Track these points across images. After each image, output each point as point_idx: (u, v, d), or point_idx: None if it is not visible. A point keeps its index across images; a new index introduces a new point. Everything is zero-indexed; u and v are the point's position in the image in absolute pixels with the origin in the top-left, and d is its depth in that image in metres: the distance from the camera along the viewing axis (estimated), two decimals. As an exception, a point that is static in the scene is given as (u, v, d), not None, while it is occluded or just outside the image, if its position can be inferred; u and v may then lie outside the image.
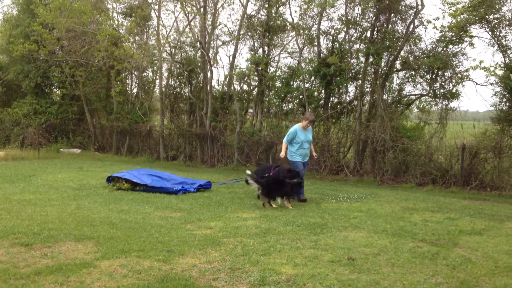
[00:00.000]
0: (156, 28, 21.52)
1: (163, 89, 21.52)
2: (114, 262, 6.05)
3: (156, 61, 21.64)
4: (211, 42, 20.52)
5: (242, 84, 20.64)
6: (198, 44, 20.33)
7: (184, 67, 21.06)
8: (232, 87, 20.45)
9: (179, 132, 21.51)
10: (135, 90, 23.35)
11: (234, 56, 20.16)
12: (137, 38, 22.36)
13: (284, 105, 19.79)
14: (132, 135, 22.18)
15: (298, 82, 19.02)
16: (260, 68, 19.08)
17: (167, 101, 21.86)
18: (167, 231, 7.70)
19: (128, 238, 7.18)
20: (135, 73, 22.90)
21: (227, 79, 20.49)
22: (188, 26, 20.68)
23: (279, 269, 5.90)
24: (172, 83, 22.20)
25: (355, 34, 18.17)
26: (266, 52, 19.78)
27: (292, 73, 19.07)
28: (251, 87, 20.64)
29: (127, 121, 21.74)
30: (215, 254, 6.49)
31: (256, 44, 19.93)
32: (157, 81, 22.33)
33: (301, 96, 18.76)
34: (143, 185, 11.60)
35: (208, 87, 20.03)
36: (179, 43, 21.19)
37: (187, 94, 21.59)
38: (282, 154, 11.15)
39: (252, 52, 19.75)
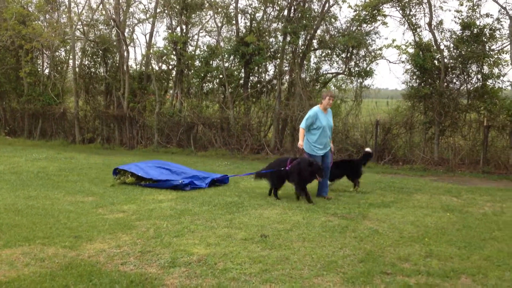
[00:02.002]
0: (67, 5, 20.49)
1: (77, 69, 20.56)
2: (16, 250, 5.72)
3: (68, 40, 20.62)
4: (127, 20, 19.81)
5: (160, 63, 20.16)
6: (112, 22, 19.57)
7: (98, 46, 20.25)
8: (150, 67, 19.92)
9: (95, 114, 20.70)
10: (47, 71, 22.14)
11: (151, 34, 19.59)
12: (47, 16, 21.16)
13: (204, 84, 19.55)
14: (45, 118, 21.09)
15: (218, 61, 18.83)
16: (179, 47, 18.70)
17: (82, 81, 20.92)
18: (76, 217, 7.38)
19: (34, 225, 6.82)
20: (47, 52, 21.72)
21: (145, 59, 19.93)
22: (101, 4, 19.84)
23: (191, 249, 5.83)
24: (86, 63, 21.27)
25: (272, 13, 18.21)
26: (184, 30, 19.39)
27: (211, 52, 18.83)
28: (170, 67, 20.22)
29: (39, 103, 20.62)
30: (125, 238, 6.31)
31: (173, 23, 19.45)
32: (70, 61, 21.28)
33: (221, 76, 18.61)
34: (148, 179, 10.28)
35: (124, 67, 19.34)
36: (92, 21, 20.29)
37: (102, 74, 20.79)
38: (301, 143, 9.10)
39: (170, 31, 19.28)
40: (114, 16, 19.38)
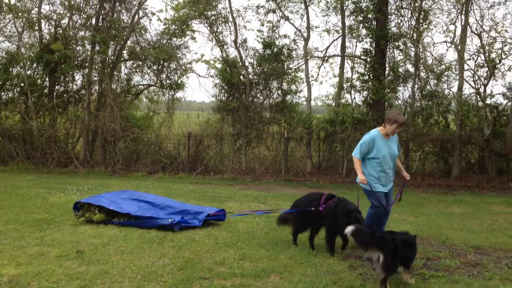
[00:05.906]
0: None
1: None
2: None
3: None
4: None
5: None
6: None
7: None
8: None
9: None
10: None
11: None
12: None
13: (3, 93, 17.91)
14: None
15: (19, 68, 17.46)
16: (-29, 52, 16.90)
17: None
18: None
19: None
20: None
21: None
22: None
23: (0, 271, 5.39)
24: None
25: (79, 21, 17.54)
26: (-22, 34, 17.59)
27: (11, 58, 17.39)
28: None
29: None
30: None
31: (-36, 24, 17.53)
32: None
33: (22, 84, 17.28)
34: (124, 214, 7.96)
35: None
36: None
37: None
38: (362, 177, 6.76)
39: (-41, 33, 17.32)
40: None
